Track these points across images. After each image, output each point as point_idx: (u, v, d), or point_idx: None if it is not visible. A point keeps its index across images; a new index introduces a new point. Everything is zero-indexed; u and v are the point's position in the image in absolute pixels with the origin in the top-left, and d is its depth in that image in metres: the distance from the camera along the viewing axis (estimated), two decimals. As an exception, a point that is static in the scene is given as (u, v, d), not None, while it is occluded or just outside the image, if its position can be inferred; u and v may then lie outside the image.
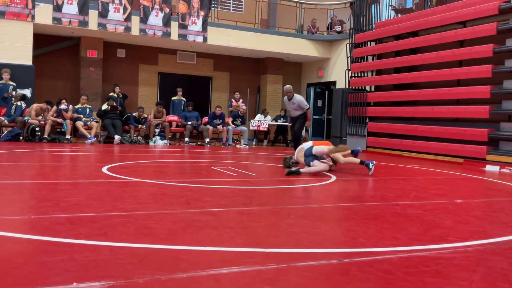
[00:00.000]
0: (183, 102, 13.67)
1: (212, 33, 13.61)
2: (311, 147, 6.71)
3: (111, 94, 12.83)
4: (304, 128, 14.07)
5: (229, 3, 16.41)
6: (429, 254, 2.72)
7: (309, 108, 9.19)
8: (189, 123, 12.72)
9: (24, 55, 11.58)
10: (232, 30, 14.06)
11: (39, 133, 10.63)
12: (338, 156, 6.84)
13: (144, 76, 14.80)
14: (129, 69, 14.49)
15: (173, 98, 13.73)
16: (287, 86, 9.22)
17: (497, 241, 3.11)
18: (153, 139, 12.15)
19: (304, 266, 2.38)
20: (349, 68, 13.65)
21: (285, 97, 9.27)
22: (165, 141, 12.16)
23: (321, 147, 6.69)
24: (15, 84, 11.29)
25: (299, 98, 9.15)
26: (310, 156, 6.63)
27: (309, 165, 6.59)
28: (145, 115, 12.55)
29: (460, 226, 3.54)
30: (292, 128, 9.59)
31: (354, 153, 7.30)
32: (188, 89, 14.63)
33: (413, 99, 11.45)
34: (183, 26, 13.21)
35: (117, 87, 13.07)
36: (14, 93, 11.04)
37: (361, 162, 6.88)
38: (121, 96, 13.06)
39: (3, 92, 11.08)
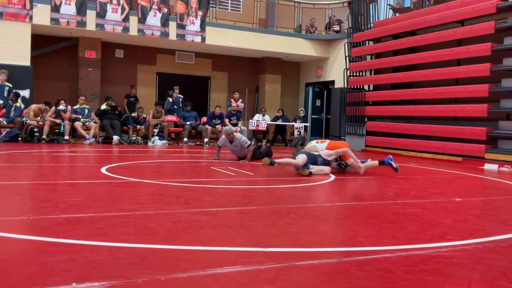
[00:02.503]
0: (180, 99, 13.70)
1: (210, 33, 13.60)
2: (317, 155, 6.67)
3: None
4: (303, 128, 14.16)
5: (227, 3, 16.41)
6: (429, 252, 2.72)
7: (250, 144, 8.28)
8: (188, 123, 12.71)
9: (22, 56, 11.56)
10: (231, 30, 14.06)
11: (37, 134, 10.61)
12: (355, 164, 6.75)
13: (143, 76, 14.79)
14: (127, 70, 14.48)
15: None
16: (228, 128, 8.35)
17: (496, 240, 3.12)
18: (152, 139, 12.14)
19: (304, 265, 2.38)
20: (348, 67, 13.65)
21: (223, 138, 8.33)
22: (164, 141, 12.15)
23: (328, 152, 6.63)
24: (11, 85, 11.27)
25: (239, 136, 8.24)
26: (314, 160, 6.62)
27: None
28: (144, 116, 12.55)
29: (459, 225, 3.54)
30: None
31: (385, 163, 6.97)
32: (187, 89, 14.63)
33: (412, 98, 11.46)
34: (181, 26, 13.21)
35: (133, 88, 13.36)
36: (1, 103, 10.98)
37: (381, 162, 6.81)
38: (135, 98, 13.28)
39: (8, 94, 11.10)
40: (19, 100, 11.14)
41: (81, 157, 8.19)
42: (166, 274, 2.15)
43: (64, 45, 13.54)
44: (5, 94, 11.08)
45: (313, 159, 6.60)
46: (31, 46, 11.82)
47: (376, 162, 6.89)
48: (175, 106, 13.54)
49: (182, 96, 13.77)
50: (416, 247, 2.82)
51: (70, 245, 2.57)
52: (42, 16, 11.68)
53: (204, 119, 13.25)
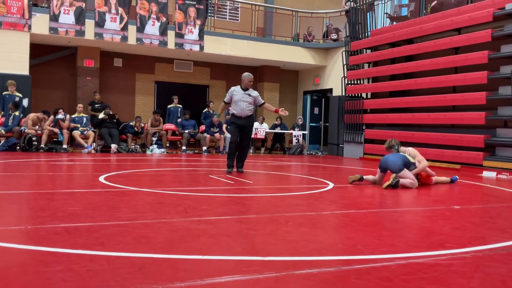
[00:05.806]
0: (179, 109, 13.70)
1: (209, 41, 13.66)
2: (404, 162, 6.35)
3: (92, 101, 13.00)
4: (301, 136, 14.17)
5: (226, 12, 16.49)
6: (427, 260, 2.72)
7: (264, 102, 7.84)
8: (186, 131, 12.72)
9: (21, 65, 11.59)
10: (229, 38, 14.13)
11: (35, 143, 10.60)
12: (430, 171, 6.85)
13: (141, 85, 14.82)
14: (126, 78, 14.51)
15: (169, 106, 13.76)
16: (249, 74, 7.68)
17: (495, 247, 3.11)
18: (150, 147, 12.13)
19: (303, 274, 2.37)
20: (345, 75, 13.71)
21: (237, 88, 7.59)
22: (162, 150, 12.15)
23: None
24: (21, 95, 11.30)
25: (255, 92, 7.81)
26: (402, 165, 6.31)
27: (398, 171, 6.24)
28: (142, 124, 12.54)
29: (458, 233, 3.54)
30: (241, 133, 7.52)
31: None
32: (185, 97, 14.65)
33: (409, 106, 11.49)
34: (179, 35, 13.26)
35: (97, 94, 13.07)
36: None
37: (451, 181, 7.11)
38: (100, 104, 12.88)
39: (10, 103, 11.10)
40: (19, 109, 11.15)
41: (79, 166, 8.17)
42: (164, 283, 2.14)
43: (63, 54, 13.58)
44: None
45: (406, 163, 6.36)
46: (30, 55, 11.85)
47: (448, 179, 7.15)
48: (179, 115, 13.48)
49: (180, 106, 13.76)
50: (415, 255, 2.81)
51: (68, 254, 2.55)
52: (40, 25, 11.72)
53: (203, 127, 13.26)
